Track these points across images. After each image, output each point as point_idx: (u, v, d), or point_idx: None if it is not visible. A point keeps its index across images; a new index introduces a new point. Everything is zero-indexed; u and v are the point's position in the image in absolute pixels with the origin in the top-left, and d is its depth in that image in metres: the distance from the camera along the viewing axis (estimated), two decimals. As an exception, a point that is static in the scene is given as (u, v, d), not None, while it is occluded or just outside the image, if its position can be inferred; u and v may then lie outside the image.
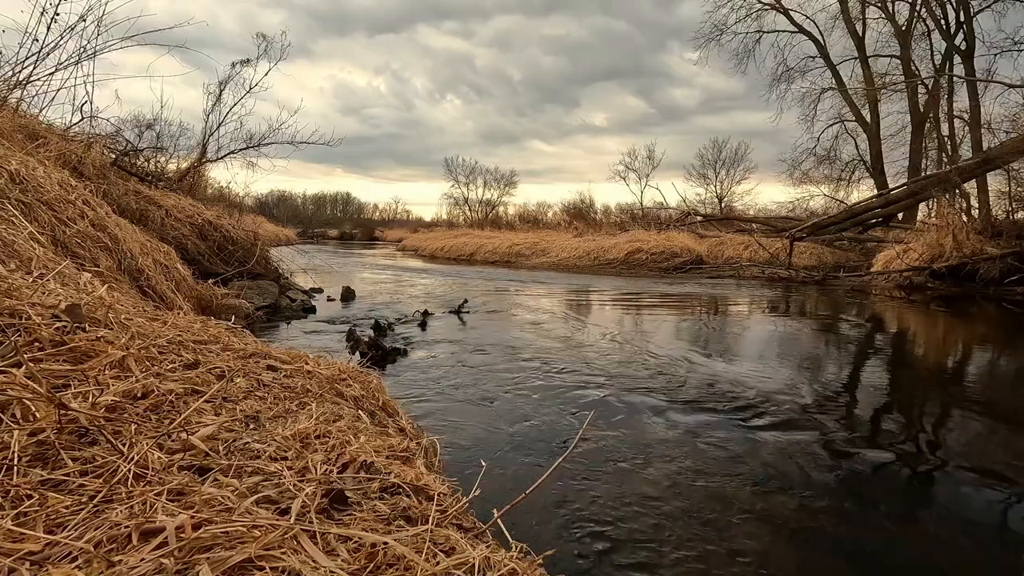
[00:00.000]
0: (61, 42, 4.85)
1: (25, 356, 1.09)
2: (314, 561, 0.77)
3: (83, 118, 5.41)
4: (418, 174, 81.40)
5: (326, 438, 1.27)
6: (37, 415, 0.97)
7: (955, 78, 15.83)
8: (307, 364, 1.88)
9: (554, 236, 19.11)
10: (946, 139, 17.00)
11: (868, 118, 18.85)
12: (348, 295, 6.77)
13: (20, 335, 1.20)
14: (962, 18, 15.52)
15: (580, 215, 24.23)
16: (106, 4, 5.05)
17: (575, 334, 4.99)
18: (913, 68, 17.49)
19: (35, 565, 0.70)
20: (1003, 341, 5.68)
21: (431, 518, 0.98)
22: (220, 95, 8.28)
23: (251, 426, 1.25)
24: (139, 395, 1.19)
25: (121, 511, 0.81)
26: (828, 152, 20.28)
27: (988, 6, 15.08)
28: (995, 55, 14.80)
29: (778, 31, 19.83)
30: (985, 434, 2.64)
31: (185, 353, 1.56)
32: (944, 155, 16.90)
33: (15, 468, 0.86)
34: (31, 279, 1.67)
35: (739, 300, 8.20)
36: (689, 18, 54.09)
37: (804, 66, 19.83)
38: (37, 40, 4.68)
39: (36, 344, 1.21)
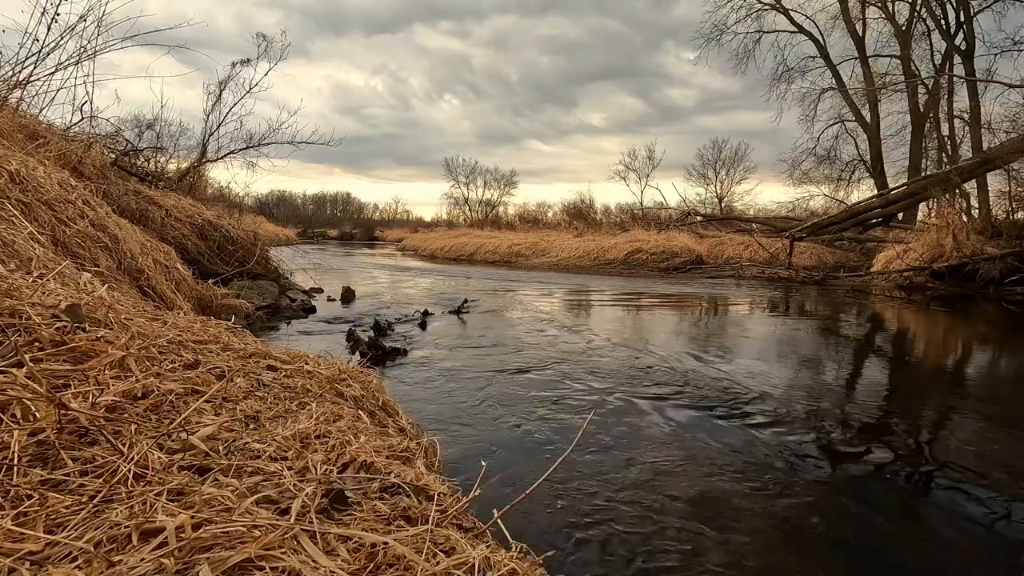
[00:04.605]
0: (61, 42, 4.85)
1: (25, 356, 1.09)
2: (314, 561, 0.77)
3: (83, 118, 5.42)
4: (417, 174, 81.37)
5: (326, 438, 1.27)
6: (37, 415, 0.97)
7: (955, 78, 15.83)
8: (307, 364, 1.88)
9: (554, 236, 19.10)
10: (946, 139, 17.02)
11: (868, 118, 18.86)
12: (348, 295, 6.77)
13: (20, 335, 1.20)
14: (962, 18, 15.53)
15: (580, 215, 24.21)
16: (106, 4, 5.05)
17: (575, 334, 4.99)
18: (913, 68, 17.49)
19: (35, 565, 0.70)
20: (1003, 341, 5.68)
21: (431, 518, 0.98)
22: (220, 95, 8.28)
23: (251, 426, 1.25)
24: (139, 395, 1.19)
25: (121, 511, 0.81)
26: (828, 152, 20.33)
27: (988, 6, 15.09)
28: (995, 55, 14.82)
29: (778, 31, 19.87)
30: (985, 434, 2.64)
31: (185, 353, 1.56)
32: (944, 155, 16.92)
33: (15, 468, 0.86)
34: (31, 279, 1.67)
35: (739, 300, 8.20)
36: (684, 18, 54.15)
37: (804, 66, 19.89)
38: (37, 40, 4.68)
39: (36, 344, 1.21)
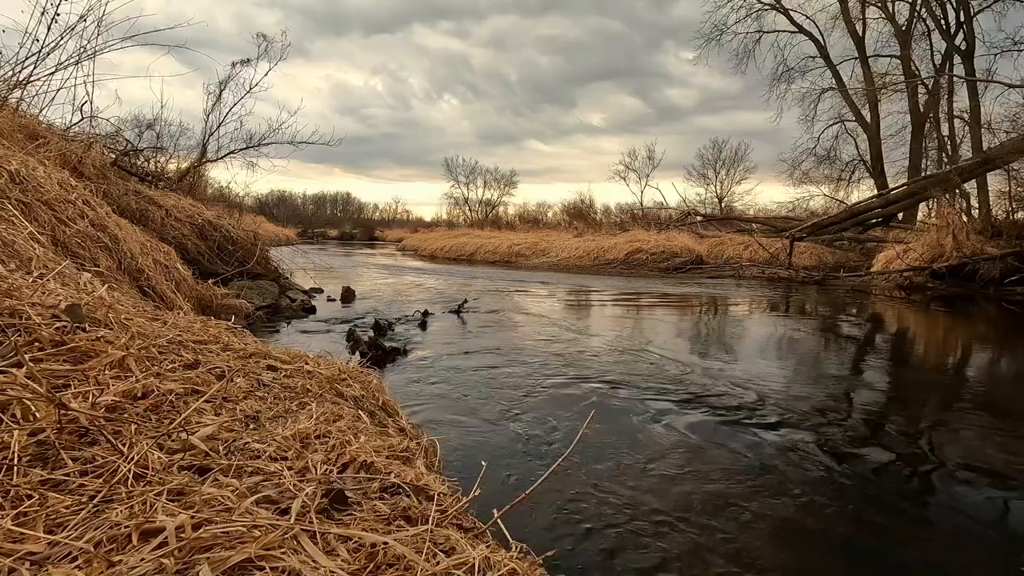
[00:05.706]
0: (61, 42, 4.85)
1: (25, 356, 1.09)
2: (314, 561, 0.77)
3: (83, 118, 5.42)
4: (417, 174, 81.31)
5: (326, 438, 1.27)
6: (37, 415, 0.97)
7: (955, 78, 15.83)
8: (307, 364, 1.88)
9: (554, 236, 19.10)
10: (946, 139, 17.02)
11: (868, 118, 18.86)
12: (348, 295, 6.77)
13: (20, 335, 1.20)
14: (962, 18, 15.53)
15: (580, 215, 24.19)
16: (106, 4, 5.06)
17: (575, 334, 4.99)
18: (913, 68, 17.49)
19: (35, 565, 0.70)
20: (1003, 341, 5.68)
21: (431, 518, 0.98)
22: (220, 95, 8.28)
23: (251, 426, 1.25)
24: (139, 395, 1.19)
25: (121, 511, 0.81)
26: (828, 152, 20.34)
27: (988, 6, 15.09)
28: (995, 55, 14.82)
29: (778, 31, 19.87)
30: (985, 434, 2.64)
31: (185, 353, 1.56)
32: (944, 155, 16.92)
33: (15, 468, 0.86)
34: (31, 279, 1.67)
35: (739, 300, 8.20)
36: (684, 18, 54.07)
37: (804, 66, 19.90)
38: (37, 40, 4.69)
39: (36, 344, 1.21)
